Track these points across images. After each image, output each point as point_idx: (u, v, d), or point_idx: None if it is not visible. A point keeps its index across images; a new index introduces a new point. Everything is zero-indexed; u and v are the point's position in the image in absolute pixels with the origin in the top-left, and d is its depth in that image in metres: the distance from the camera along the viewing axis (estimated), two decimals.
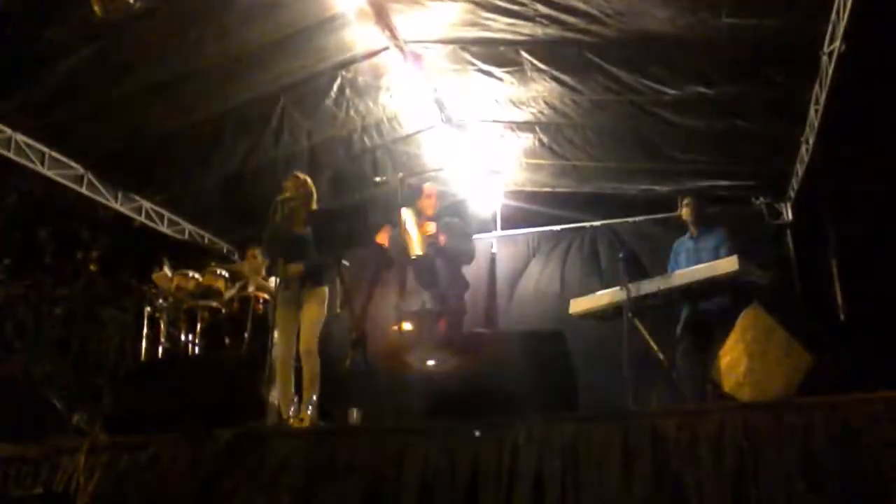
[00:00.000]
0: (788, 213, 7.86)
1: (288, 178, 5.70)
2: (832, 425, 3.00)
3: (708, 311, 5.62)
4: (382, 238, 5.65)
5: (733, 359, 4.39)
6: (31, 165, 6.66)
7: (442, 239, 5.66)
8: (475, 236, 8.62)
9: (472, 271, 8.45)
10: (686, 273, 5.31)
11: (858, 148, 6.72)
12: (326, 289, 5.57)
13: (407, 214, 5.64)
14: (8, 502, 3.76)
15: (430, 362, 4.95)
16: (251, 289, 6.70)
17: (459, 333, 5.62)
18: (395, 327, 5.46)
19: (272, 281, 6.29)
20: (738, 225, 7.37)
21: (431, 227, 5.71)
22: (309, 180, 5.71)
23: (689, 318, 5.71)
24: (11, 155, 6.48)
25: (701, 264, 5.42)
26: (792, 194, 7.66)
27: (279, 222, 5.47)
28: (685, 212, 6.03)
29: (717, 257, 5.55)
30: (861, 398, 3.14)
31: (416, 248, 5.55)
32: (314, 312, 5.45)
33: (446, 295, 5.64)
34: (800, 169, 7.10)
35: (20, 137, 6.50)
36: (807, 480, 2.89)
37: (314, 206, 5.67)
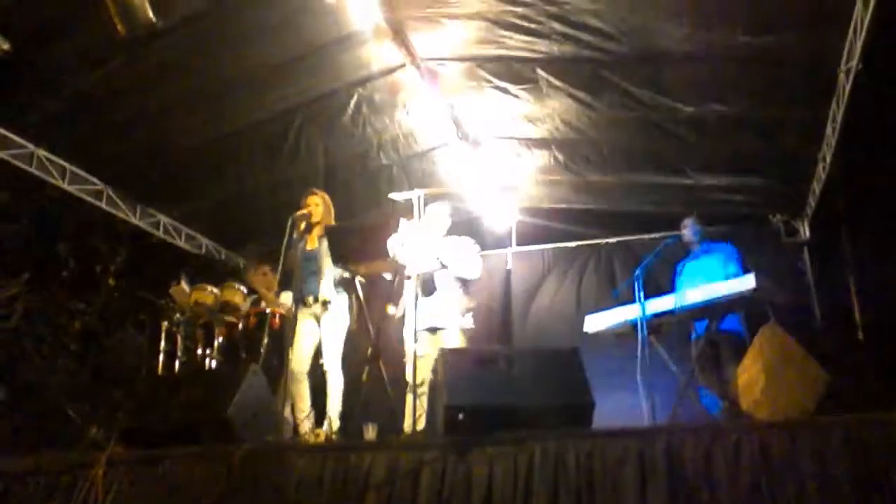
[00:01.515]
0: (805, 231, 7.83)
1: (305, 194, 5.73)
2: (850, 444, 2.98)
3: (725, 330, 5.61)
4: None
5: (750, 377, 4.37)
6: (51, 180, 6.75)
7: (446, 256, 5.66)
8: (491, 252, 8.69)
9: (488, 287, 8.50)
10: (702, 291, 5.30)
11: (875, 166, 6.68)
12: (346, 300, 5.58)
13: (409, 228, 5.64)
14: None
15: None
16: (264, 304, 6.73)
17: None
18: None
19: (283, 296, 6.32)
20: (754, 242, 7.39)
21: (435, 245, 5.69)
22: (326, 196, 5.74)
23: (705, 336, 5.69)
24: (33, 170, 6.57)
25: (708, 281, 5.41)
26: (809, 212, 7.63)
27: (296, 238, 5.51)
28: (686, 234, 6.09)
29: (725, 274, 5.55)
30: (879, 417, 3.12)
31: (419, 263, 5.55)
32: (334, 326, 5.47)
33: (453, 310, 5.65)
34: (817, 187, 7.08)
35: (42, 153, 6.59)
36: (823, 500, 2.87)
37: (331, 221, 5.70)
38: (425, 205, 5.45)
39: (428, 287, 5.57)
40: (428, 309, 5.50)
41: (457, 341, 5.56)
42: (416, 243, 5.44)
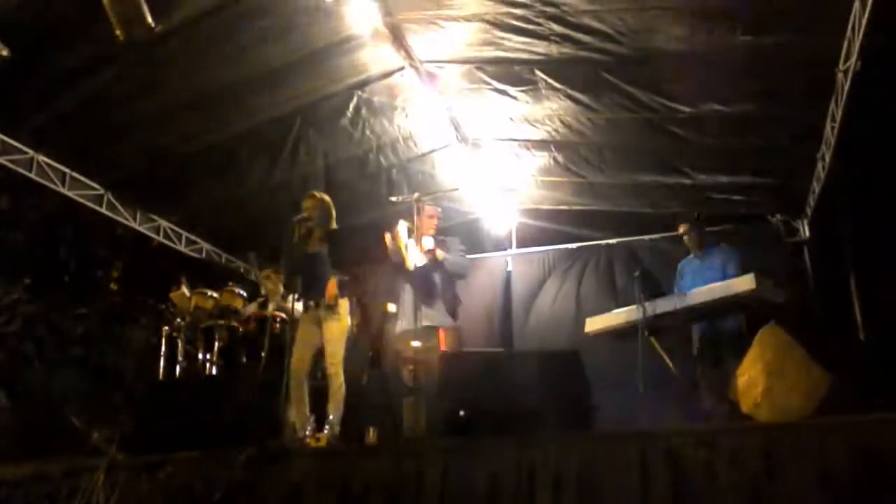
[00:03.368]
0: (805, 231, 7.82)
1: (305, 197, 5.73)
2: (850, 446, 2.98)
3: (725, 330, 5.61)
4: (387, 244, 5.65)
5: (751, 378, 4.37)
6: (51, 185, 6.75)
7: (439, 254, 5.67)
8: (491, 254, 8.70)
9: (488, 290, 8.51)
10: (702, 291, 5.30)
11: (875, 165, 6.68)
12: (347, 303, 5.58)
13: (403, 228, 5.65)
14: None
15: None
16: (271, 308, 6.73)
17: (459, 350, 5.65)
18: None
19: (290, 299, 6.31)
20: (754, 242, 7.38)
21: (428, 243, 5.70)
22: (326, 199, 5.74)
23: (706, 336, 5.69)
24: (33, 175, 6.57)
25: (708, 283, 5.41)
26: (809, 211, 7.62)
27: (296, 241, 5.51)
28: (685, 238, 6.07)
29: (724, 276, 5.54)
30: (880, 418, 3.12)
31: (414, 261, 5.56)
32: (336, 330, 5.47)
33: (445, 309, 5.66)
34: (816, 186, 7.07)
35: (41, 158, 6.60)
36: (826, 501, 2.87)
37: (333, 224, 5.69)
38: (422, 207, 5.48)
39: (425, 287, 5.56)
40: (420, 309, 5.49)
41: (448, 342, 5.56)
42: (409, 243, 5.48)
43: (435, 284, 5.65)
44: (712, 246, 6.12)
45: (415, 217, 5.68)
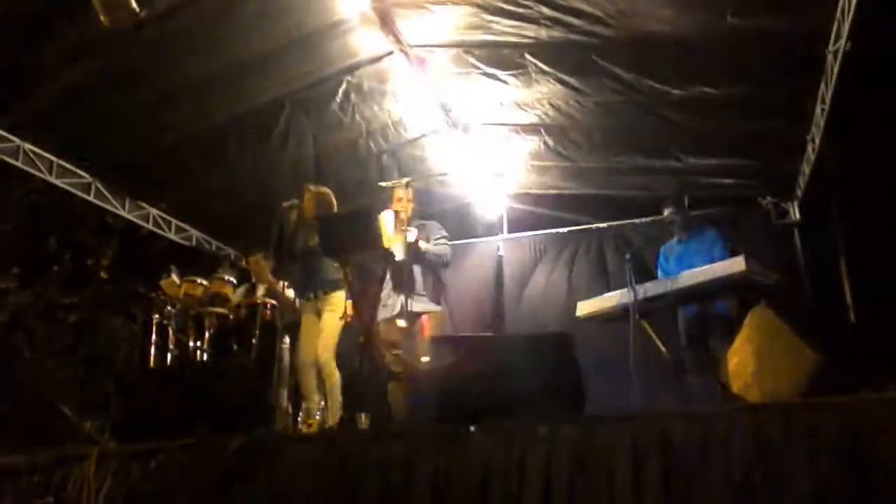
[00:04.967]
0: (795, 213, 7.84)
1: (304, 190, 5.73)
2: (841, 426, 2.99)
3: (715, 312, 5.63)
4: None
5: (741, 360, 4.38)
6: (38, 174, 6.70)
7: (422, 245, 5.64)
8: (482, 239, 8.70)
9: (480, 274, 8.52)
10: (693, 274, 5.30)
11: (865, 146, 6.70)
12: (343, 294, 5.59)
13: (388, 218, 5.64)
14: None
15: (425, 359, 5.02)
16: (259, 293, 6.72)
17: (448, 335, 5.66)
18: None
19: (281, 284, 6.31)
20: (744, 225, 7.40)
21: (412, 235, 5.65)
22: (320, 190, 5.75)
23: (696, 319, 5.70)
24: (19, 164, 6.52)
25: (694, 267, 5.41)
26: (799, 194, 7.64)
27: (292, 231, 5.54)
28: (670, 223, 6.08)
29: (710, 259, 5.55)
30: (870, 399, 3.14)
31: (397, 253, 5.53)
32: (331, 320, 5.52)
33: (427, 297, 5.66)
34: (806, 168, 7.09)
35: (28, 146, 6.55)
36: (815, 481, 2.88)
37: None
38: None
39: (404, 280, 5.53)
40: (403, 295, 5.48)
41: (432, 327, 5.56)
42: (391, 232, 5.49)
43: (414, 278, 5.61)
44: (698, 230, 6.12)
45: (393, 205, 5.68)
